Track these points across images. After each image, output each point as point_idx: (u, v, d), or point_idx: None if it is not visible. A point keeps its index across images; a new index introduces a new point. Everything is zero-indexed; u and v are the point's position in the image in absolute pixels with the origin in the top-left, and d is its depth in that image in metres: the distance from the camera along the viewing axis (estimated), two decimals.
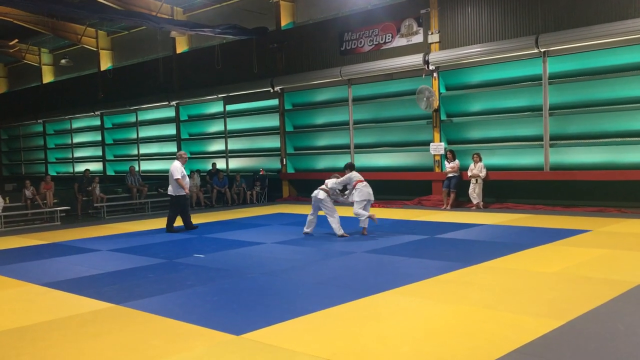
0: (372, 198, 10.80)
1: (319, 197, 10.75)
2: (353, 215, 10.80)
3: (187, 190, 12.33)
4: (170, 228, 12.22)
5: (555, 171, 13.76)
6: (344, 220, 10.84)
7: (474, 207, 14.25)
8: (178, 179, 12.05)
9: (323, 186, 10.91)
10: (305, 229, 11.01)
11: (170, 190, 12.25)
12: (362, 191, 10.64)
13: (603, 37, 12.56)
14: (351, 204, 10.92)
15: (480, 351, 4.52)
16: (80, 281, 7.65)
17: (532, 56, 13.81)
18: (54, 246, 10.98)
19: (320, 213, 10.93)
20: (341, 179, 10.90)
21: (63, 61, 25.53)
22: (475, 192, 14.30)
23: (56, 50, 29.43)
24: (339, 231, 10.52)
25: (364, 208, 10.67)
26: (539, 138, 13.97)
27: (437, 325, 5.22)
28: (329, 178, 11.09)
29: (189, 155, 22.66)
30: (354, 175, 10.90)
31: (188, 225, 12.37)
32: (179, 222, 12.38)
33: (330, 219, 10.63)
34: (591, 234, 9.90)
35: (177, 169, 12.13)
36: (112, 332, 5.36)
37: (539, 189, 14.02)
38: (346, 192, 10.98)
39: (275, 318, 5.52)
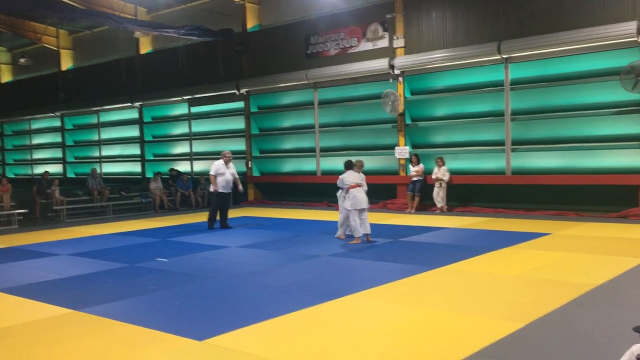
0: (366, 206, 9.93)
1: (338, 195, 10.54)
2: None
3: (215, 188, 12.43)
4: (224, 224, 12.69)
5: (517, 175, 14.02)
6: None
7: (438, 211, 14.41)
8: (211, 175, 12.40)
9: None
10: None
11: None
12: (356, 198, 9.81)
13: (563, 45, 12.86)
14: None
15: (443, 353, 4.56)
16: (38, 286, 7.45)
17: (495, 62, 14.05)
18: (11, 250, 10.65)
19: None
20: (340, 177, 10.20)
21: (22, 60, 24.87)
22: (439, 195, 14.46)
23: (15, 48, 28.62)
24: (356, 234, 9.87)
25: (361, 216, 9.86)
26: (501, 143, 14.22)
27: (401, 328, 5.25)
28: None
29: (152, 158, 22.40)
30: (347, 177, 10.03)
31: (212, 220, 12.66)
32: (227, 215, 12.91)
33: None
34: (551, 237, 10.12)
35: (214, 165, 12.51)
36: (71, 338, 5.23)
37: (501, 193, 14.26)
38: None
39: (239, 322, 5.46)
